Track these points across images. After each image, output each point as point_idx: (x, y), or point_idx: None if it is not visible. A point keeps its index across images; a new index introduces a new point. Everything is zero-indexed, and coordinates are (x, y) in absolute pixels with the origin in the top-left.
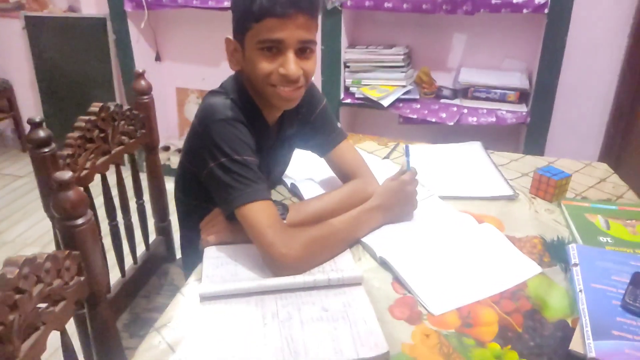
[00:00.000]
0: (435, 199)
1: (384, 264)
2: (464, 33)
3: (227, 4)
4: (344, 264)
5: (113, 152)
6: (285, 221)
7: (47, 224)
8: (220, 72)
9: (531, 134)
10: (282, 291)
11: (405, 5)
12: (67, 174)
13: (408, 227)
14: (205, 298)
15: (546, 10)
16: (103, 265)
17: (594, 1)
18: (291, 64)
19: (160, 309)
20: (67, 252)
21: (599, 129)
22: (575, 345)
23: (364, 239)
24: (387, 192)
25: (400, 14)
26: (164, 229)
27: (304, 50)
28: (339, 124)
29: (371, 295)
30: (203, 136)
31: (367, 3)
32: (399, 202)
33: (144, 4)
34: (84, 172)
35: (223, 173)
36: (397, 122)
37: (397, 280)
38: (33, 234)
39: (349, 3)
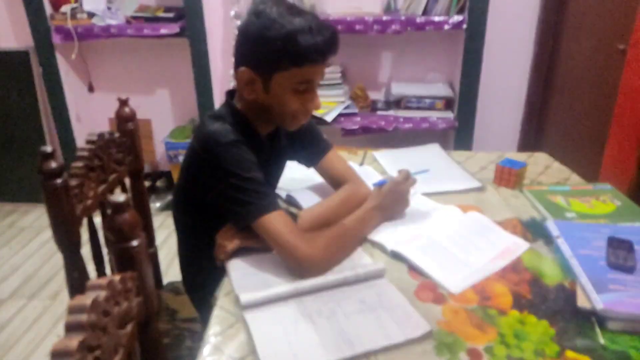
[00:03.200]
0: (420, 196)
1: (395, 256)
2: (391, 51)
3: (163, 31)
4: (363, 261)
5: (110, 179)
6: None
7: None
8: (156, 100)
9: (459, 136)
10: (315, 291)
11: (339, 27)
12: (121, 197)
13: (407, 222)
14: (247, 306)
15: (464, 26)
16: (153, 286)
17: (504, 16)
18: (319, 100)
19: (165, 334)
20: (129, 273)
21: (515, 126)
22: (581, 302)
23: (371, 237)
24: (382, 193)
25: None
26: (151, 256)
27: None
28: (324, 136)
29: (394, 284)
30: (208, 161)
31: None
32: (393, 201)
33: (74, 35)
34: (89, 201)
35: (235, 191)
36: (339, 134)
37: (413, 268)
38: None
39: None
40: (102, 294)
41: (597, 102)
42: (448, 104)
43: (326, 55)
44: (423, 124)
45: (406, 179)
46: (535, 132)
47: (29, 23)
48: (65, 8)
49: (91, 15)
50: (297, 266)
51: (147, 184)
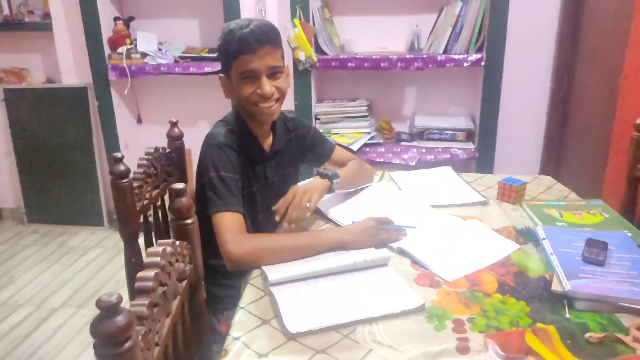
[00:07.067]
0: (427, 207)
1: (402, 253)
2: (414, 86)
3: (207, 69)
4: (370, 250)
5: (161, 186)
6: (339, 179)
7: None
8: (198, 132)
9: (480, 166)
10: (329, 274)
11: (366, 64)
12: (180, 185)
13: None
14: (273, 283)
15: (483, 63)
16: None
17: (521, 55)
18: (265, 86)
19: None
20: (184, 243)
21: (535, 158)
22: (555, 286)
23: None
24: (352, 228)
25: (359, 72)
26: None
27: (274, 74)
28: (328, 137)
29: (398, 273)
30: (202, 156)
31: (333, 63)
32: (360, 235)
33: (128, 72)
34: (145, 201)
35: (209, 186)
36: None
37: (415, 262)
38: None
39: (317, 64)
40: (168, 248)
41: (604, 133)
42: (469, 136)
43: (253, 44)
44: (445, 154)
45: (382, 222)
46: (554, 165)
47: (89, 62)
48: (122, 49)
49: (144, 55)
50: (223, 257)
51: None
